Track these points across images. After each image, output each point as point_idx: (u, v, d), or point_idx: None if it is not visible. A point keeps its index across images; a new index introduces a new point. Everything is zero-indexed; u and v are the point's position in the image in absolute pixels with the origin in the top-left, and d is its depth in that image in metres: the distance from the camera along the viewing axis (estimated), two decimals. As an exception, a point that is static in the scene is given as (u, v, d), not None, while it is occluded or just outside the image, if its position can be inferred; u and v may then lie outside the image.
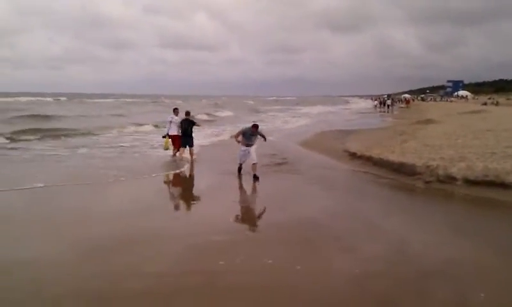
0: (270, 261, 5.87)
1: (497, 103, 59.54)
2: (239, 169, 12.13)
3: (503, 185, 9.64)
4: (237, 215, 8.48)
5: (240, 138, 11.93)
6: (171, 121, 14.89)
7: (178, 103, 50.20)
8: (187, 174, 12.75)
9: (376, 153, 13.85)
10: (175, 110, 15.39)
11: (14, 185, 10.07)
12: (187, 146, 14.48)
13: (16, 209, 8.70)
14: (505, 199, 9.10)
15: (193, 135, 14.66)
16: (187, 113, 14.86)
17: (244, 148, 11.84)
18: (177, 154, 14.66)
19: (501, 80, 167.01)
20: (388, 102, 62.42)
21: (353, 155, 14.72)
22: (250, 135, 11.83)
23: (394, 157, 12.70)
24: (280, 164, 14.20)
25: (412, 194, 10.21)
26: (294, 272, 5.56)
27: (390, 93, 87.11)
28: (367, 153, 14.04)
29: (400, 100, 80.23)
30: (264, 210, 8.87)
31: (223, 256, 6.07)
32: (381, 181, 11.31)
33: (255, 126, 11.92)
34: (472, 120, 24.79)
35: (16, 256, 6.14)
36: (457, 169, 10.52)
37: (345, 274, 5.54)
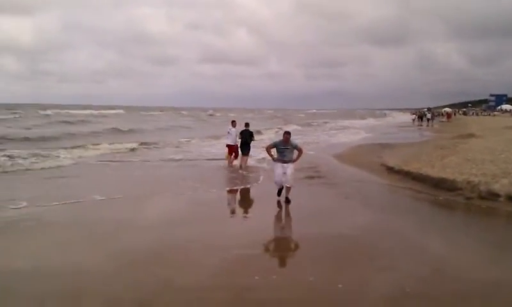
0: (311, 278, 5.78)
1: (544, 118, 57.23)
2: (279, 191, 10.50)
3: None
4: (274, 229, 8.47)
5: (273, 152, 10.48)
6: (228, 132, 16.44)
7: (232, 116, 50.99)
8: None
9: (414, 167, 13.56)
10: (233, 122, 16.89)
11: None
12: (244, 154, 15.82)
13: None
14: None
15: (251, 145, 16.00)
16: (247, 124, 16.28)
17: (279, 166, 10.22)
18: (235, 162, 16.08)
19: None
20: (428, 115, 61.04)
21: (391, 170, 14.44)
22: (283, 148, 10.25)
23: (434, 172, 12.40)
24: (316, 177, 14.09)
25: (452, 210, 9.92)
26: (334, 290, 5.48)
27: (430, 106, 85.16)
28: (406, 168, 13.75)
29: (440, 114, 78.40)
30: (301, 225, 8.72)
31: (259, 271, 6.04)
32: (420, 196, 11.02)
33: (287, 134, 10.35)
34: (517, 135, 23.92)
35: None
36: (500, 185, 10.17)
37: (382, 293, 5.40)
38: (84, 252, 6.85)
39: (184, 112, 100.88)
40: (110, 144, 23.22)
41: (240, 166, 15.68)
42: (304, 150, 10.73)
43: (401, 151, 20.30)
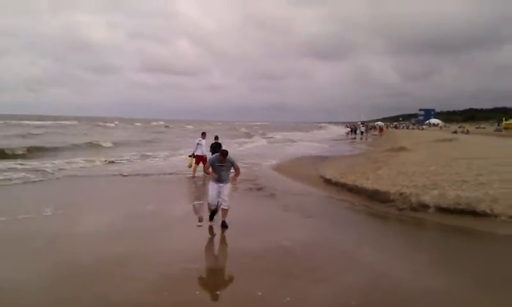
0: (259, 292, 5.73)
1: (467, 132, 61.07)
2: (212, 215, 9.56)
3: (474, 213, 9.76)
4: (210, 243, 8.32)
5: (211, 170, 9.38)
6: (198, 143, 17.22)
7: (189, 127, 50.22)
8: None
9: (350, 179, 13.93)
10: (203, 134, 17.76)
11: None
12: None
13: None
14: (476, 227, 9.18)
15: None
16: (216, 137, 17.93)
17: (215, 186, 9.25)
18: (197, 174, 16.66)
19: (471, 109, 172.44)
20: (362, 128, 63.35)
21: (328, 181, 14.75)
22: (219, 165, 9.14)
23: (368, 184, 12.78)
24: (254, 189, 14.09)
25: (386, 221, 10.23)
26: (282, 304, 5.43)
27: (364, 120, 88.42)
28: (342, 180, 14.09)
29: (374, 127, 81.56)
30: (242, 238, 8.56)
31: (200, 286, 6.00)
32: (356, 208, 11.31)
33: (223, 154, 9.09)
34: (444, 148, 25.23)
35: None
36: (430, 197, 10.62)
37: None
38: (16, 267, 6.51)
39: (137, 123, 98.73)
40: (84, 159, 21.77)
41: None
42: (240, 168, 9.87)
43: (337, 163, 20.82)
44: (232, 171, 9.45)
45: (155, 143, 39.11)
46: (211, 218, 9.53)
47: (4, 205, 11.09)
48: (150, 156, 25.11)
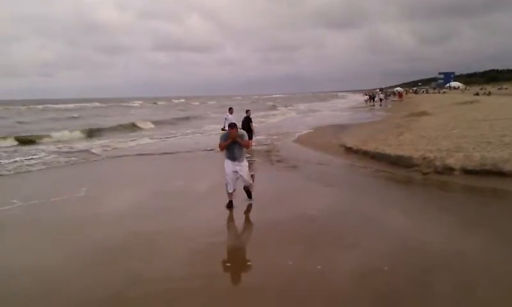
0: (290, 262, 5.76)
1: (489, 93, 59.86)
2: (230, 203, 8.59)
3: (500, 174, 9.66)
4: (237, 216, 8.37)
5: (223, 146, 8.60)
6: (226, 119, 17.80)
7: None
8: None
9: (372, 146, 13.84)
10: (230, 110, 18.54)
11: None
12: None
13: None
14: (504, 187, 9.09)
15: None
16: (247, 111, 18.04)
17: (229, 164, 8.56)
18: None
19: (492, 70, 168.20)
20: (381, 95, 62.58)
21: (349, 150, 14.69)
22: (232, 144, 8.45)
23: (391, 150, 12.69)
24: (276, 161, 14.14)
25: (410, 186, 10.16)
26: (301, 270, 5.50)
27: (382, 86, 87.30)
28: (364, 148, 14.02)
29: (393, 93, 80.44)
30: (267, 210, 8.57)
31: (230, 259, 6.08)
32: (379, 174, 11.25)
33: (232, 126, 8.39)
34: (466, 110, 24.86)
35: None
36: (455, 160, 10.53)
37: (347, 271, 5.46)
38: (49, 250, 6.61)
39: (160, 102, 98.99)
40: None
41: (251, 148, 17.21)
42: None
43: (358, 131, 20.70)
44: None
45: (194, 120, 39.18)
46: (229, 205, 8.53)
47: (58, 184, 11.33)
48: (193, 132, 26.02)
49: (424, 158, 11.13)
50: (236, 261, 6.08)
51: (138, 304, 4.81)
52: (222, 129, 17.87)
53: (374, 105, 54.45)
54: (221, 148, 8.58)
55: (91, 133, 26.83)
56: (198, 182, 11.30)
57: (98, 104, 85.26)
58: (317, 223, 7.42)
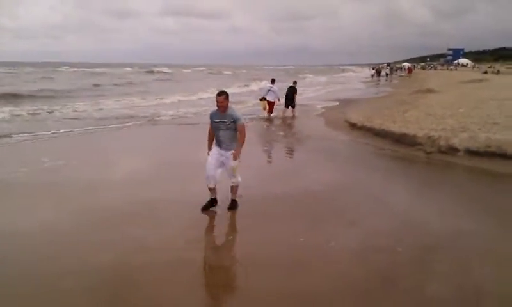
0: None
1: (498, 72, 59.04)
2: (209, 202, 6.79)
3: (504, 156, 9.60)
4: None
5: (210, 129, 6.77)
6: (269, 89, 18.21)
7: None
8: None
9: (377, 123, 13.75)
10: (273, 81, 18.97)
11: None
12: (290, 107, 18.65)
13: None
14: (507, 170, 9.05)
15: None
16: (295, 82, 19.45)
17: (214, 151, 6.69)
18: (271, 115, 18.14)
19: (502, 49, 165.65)
20: (387, 70, 62.04)
21: (354, 126, 14.61)
22: (218, 121, 6.48)
23: (395, 128, 12.61)
24: (278, 135, 14.10)
25: (413, 164, 10.15)
26: (300, 245, 5.53)
27: (390, 61, 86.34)
28: (368, 124, 13.93)
29: (399, 69, 79.61)
30: (267, 183, 8.54)
31: (234, 232, 6.12)
32: (383, 152, 11.22)
33: (222, 95, 6.33)
34: (473, 89, 24.61)
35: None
36: (459, 140, 10.46)
37: (349, 248, 5.48)
38: (54, 213, 6.66)
39: (185, 70, 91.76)
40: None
41: (293, 116, 18.55)
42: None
43: (363, 106, 20.56)
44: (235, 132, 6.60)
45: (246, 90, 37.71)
46: (205, 207, 6.75)
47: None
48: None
49: (429, 137, 11.05)
50: (241, 235, 6.06)
51: (143, 271, 4.85)
52: (260, 99, 18.48)
53: (379, 80, 54.01)
54: (209, 134, 6.75)
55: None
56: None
57: (129, 69, 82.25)
58: (321, 199, 7.42)
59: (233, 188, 6.86)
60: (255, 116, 18.16)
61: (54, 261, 5.09)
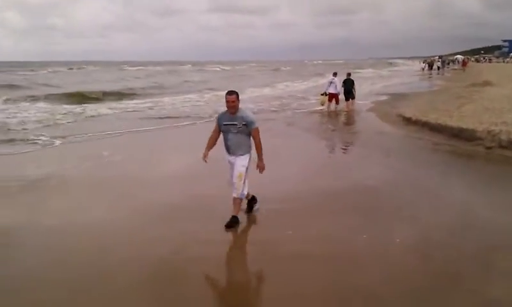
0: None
1: (560, 63, 55.91)
2: (232, 220, 5.98)
3: None
4: (296, 181, 8.27)
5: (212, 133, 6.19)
6: (331, 82, 18.23)
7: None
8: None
9: (432, 117, 13.41)
10: (335, 74, 18.83)
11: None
12: (350, 99, 18.60)
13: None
14: None
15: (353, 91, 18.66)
16: (349, 74, 19.29)
17: (229, 159, 6.13)
18: (331, 107, 18.26)
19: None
20: (438, 63, 60.00)
21: (408, 120, 14.29)
22: (227, 124, 5.87)
23: (452, 122, 12.25)
24: (331, 129, 14.04)
25: (472, 160, 9.86)
26: (358, 241, 5.50)
27: (441, 54, 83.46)
28: (423, 118, 13.59)
29: (452, 61, 76.75)
30: (318, 177, 8.56)
31: (289, 226, 5.97)
32: (439, 147, 10.92)
33: (231, 104, 5.72)
34: (534, 82, 23.49)
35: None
36: (522, 135, 10.05)
37: (407, 244, 5.41)
38: (105, 210, 6.83)
39: (242, 66, 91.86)
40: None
41: (348, 108, 18.47)
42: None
43: (416, 101, 20.08)
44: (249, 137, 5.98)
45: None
46: (229, 224, 5.90)
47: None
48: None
49: (489, 131, 10.67)
50: (300, 229, 5.91)
51: (197, 263, 4.95)
52: (322, 94, 18.56)
53: (431, 74, 52.38)
54: (210, 138, 6.14)
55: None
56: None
57: (190, 66, 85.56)
58: (375, 193, 7.34)
59: (235, 201, 6.00)
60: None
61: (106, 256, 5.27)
